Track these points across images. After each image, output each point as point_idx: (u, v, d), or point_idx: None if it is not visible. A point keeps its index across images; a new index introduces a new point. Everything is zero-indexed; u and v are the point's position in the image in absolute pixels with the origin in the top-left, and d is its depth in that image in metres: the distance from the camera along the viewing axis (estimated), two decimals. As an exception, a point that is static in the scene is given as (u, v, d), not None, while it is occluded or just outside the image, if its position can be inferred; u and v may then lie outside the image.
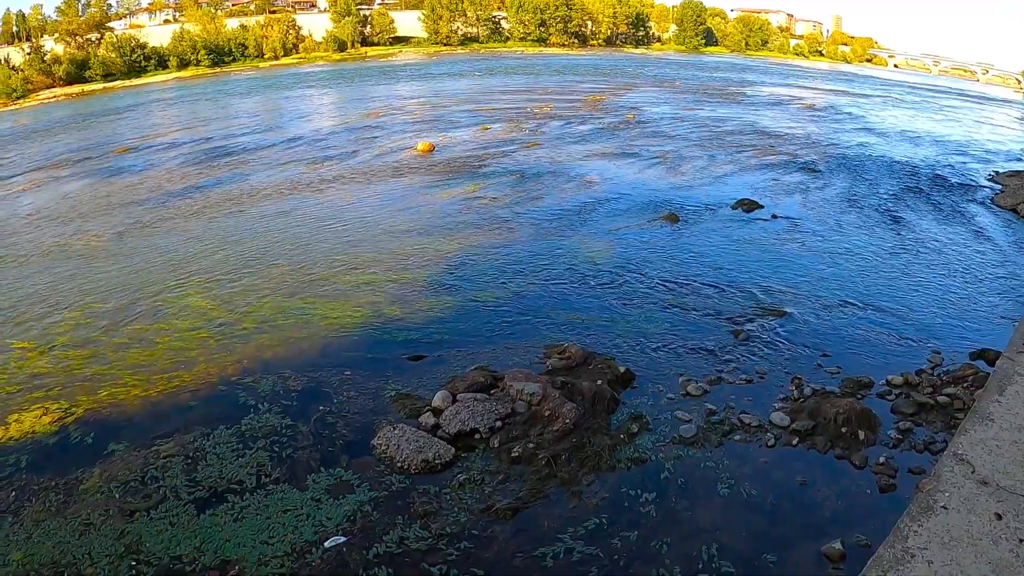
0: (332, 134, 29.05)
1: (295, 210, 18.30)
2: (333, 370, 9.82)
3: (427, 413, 8.76)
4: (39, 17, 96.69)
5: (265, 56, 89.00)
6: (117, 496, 7.52)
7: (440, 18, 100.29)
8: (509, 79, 56.10)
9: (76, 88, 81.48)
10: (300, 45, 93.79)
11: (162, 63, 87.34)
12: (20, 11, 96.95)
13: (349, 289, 12.73)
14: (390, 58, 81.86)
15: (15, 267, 16.10)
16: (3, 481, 8.04)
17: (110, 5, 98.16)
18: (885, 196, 19.63)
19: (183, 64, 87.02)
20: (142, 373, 10.15)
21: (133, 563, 6.60)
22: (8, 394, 10.05)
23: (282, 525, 6.94)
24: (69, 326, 12.17)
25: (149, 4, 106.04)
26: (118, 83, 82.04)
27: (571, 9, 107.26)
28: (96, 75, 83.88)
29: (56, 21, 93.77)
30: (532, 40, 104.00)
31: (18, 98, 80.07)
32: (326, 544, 6.65)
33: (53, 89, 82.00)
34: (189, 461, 7.98)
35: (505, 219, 16.86)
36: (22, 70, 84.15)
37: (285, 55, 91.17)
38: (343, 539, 6.72)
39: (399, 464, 7.81)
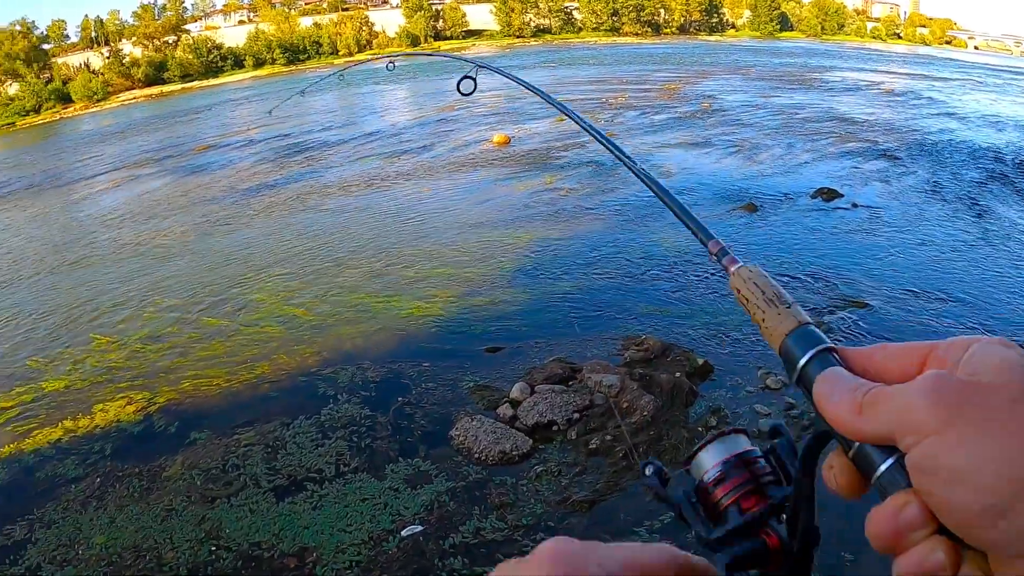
0: (408, 128, 29.29)
1: (371, 204, 18.52)
2: (411, 361, 9.90)
3: (505, 404, 8.76)
4: (116, 22, 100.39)
5: (339, 53, 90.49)
6: (199, 483, 7.73)
7: (512, 10, 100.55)
8: (583, 70, 55.91)
9: (155, 89, 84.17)
10: (374, 41, 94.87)
11: (238, 63, 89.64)
12: (98, 17, 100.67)
13: (426, 281, 12.82)
14: (463, 52, 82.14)
15: (97, 263, 16.83)
16: (89, 468, 8.39)
17: (186, 8, 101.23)
18: (968, 184, 18.98)
19: (259, 63, 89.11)
20: (223, 364, 10.44)
21: (213, 548, 6.78)
22: (92, 385, 10.53)
23: (360, 513, 7.03)
24: (150, 319, 12.61)
25: (224, 6, 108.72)
26: (195, 83, 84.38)
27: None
28: (174, 76, 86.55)
29: (133, 25, 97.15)
30: (605, 30, 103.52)
31: (99, 100, 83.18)
32: (403, 533, 6.71)
33: (132, 91, 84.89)
34: (269, 450, 8.15)
35: (582, 210, 16.82)
36: (102, 73, 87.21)
37: (359, 51, 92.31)
38: (420, 528, 6.77)
39: (476, 455, 7.83)
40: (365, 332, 10.96)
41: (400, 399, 8.99)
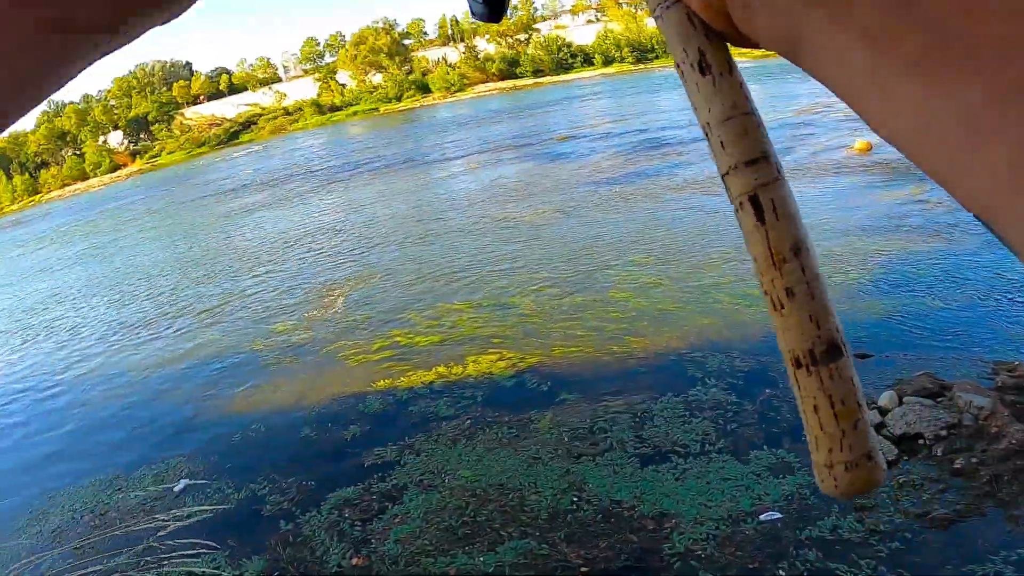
0: (769, 130, 28.46)
1: (728, 205, 18.45)
2: (779, 358, 9.80)
3: (873, 411, 8.46)
4: (471, 21, 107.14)
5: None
6: (566, 439, 8.13)
7: None
8: None
9: (507, 83, 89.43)
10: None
11: (587, 60, 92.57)
12: (454, 16, 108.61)
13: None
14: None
15: (469, 235, 18.45)
16: (460, 410, 9.27)
17: (536, 8, 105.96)
18: None
19: (607, 61, 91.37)
20: (590, 336, 10.94)
21: (575, 499, 7.09)
22: (467, 338, 11.69)
23: (720, 492, 7.05)
24: (521, 288, 13.64)
25: (572, 7, 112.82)
26: (546, 79, 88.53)
27: None
28: (526, 71, 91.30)
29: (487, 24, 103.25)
30: None
31: (455, 91, 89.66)
32: (761, 517, 6.65)
33: (487, 84, 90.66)
34: (636, 419, 8.37)
35: (952, 224, 15.73)
36: (458, 67, 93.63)
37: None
38: (778, 516, 6.69)
39: (841, 455, 7.63)
40: (734, 323, 10.93)
41: (768, 391, 8.88)
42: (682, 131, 30.82)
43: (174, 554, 7.44)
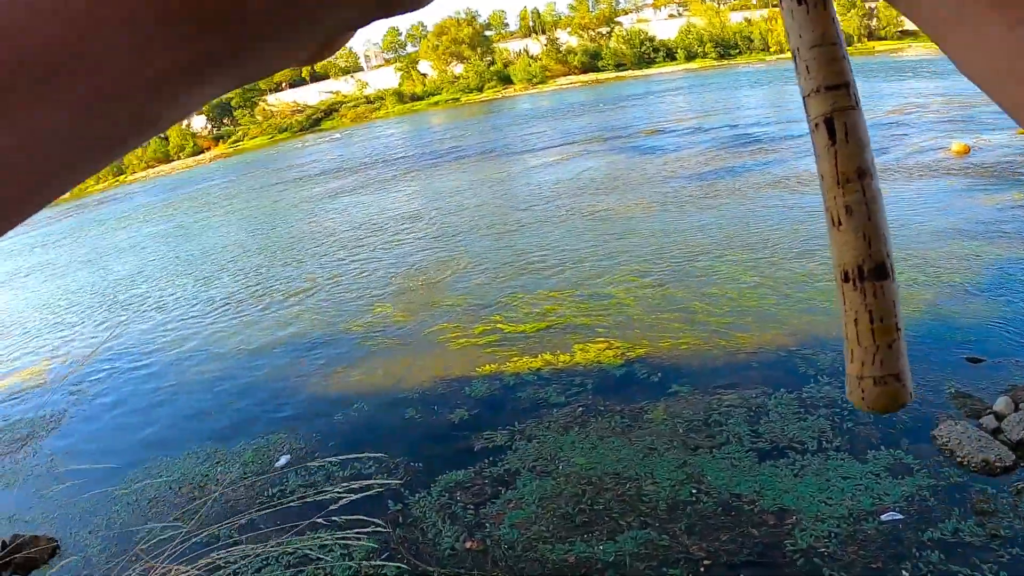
0: (858, 129, 28.32)
1: (813, 205, 18.16)
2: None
3: (989, 416, 8.24)
4: (553, 13, 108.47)
5: (771, 50, 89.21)
6: (680, 431, 8.09)
7: None
8: None
9: (589, 76, 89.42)
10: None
11: (670, 55, 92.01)
12: (535, 9, 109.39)
13: (900, 285, 12.40)
14: (898, 53, 77.62)
15: (560, 226, 18.60)
16: (570, 397, 9.30)
17: (618, 1, 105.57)
18: None
19: (690, 56, 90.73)
20: (695, 329, 10.90)
21: (694, 491, 7.06)
22: (570, 326, 11.75)
23: (840, 490, 6.97)
24: (619, 279, 13.64)
25: (654, 0, 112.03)
26: (628, 72, 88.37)
27: None
28: (608, 65, 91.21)
29: (568, 16, 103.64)
30: None
31: (537, 83, 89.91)
32: (883, 517, 6.58)
33: (569, 76, 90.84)
34: (751, 414, 8.31)
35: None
36: (540, 59, 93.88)
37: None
38: (899, 516, 6.60)
39: (959, 458, 7.45)
40: (839, 323, 10.85)
41: (877, 391, 8.80)
42: (772, 128, 30.47)
43: (276, 527, 7.55)
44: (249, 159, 75.79)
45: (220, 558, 6.05)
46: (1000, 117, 28.31)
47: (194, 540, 7.51)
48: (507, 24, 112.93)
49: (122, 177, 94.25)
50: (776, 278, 12.76)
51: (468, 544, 6.97)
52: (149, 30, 0.37)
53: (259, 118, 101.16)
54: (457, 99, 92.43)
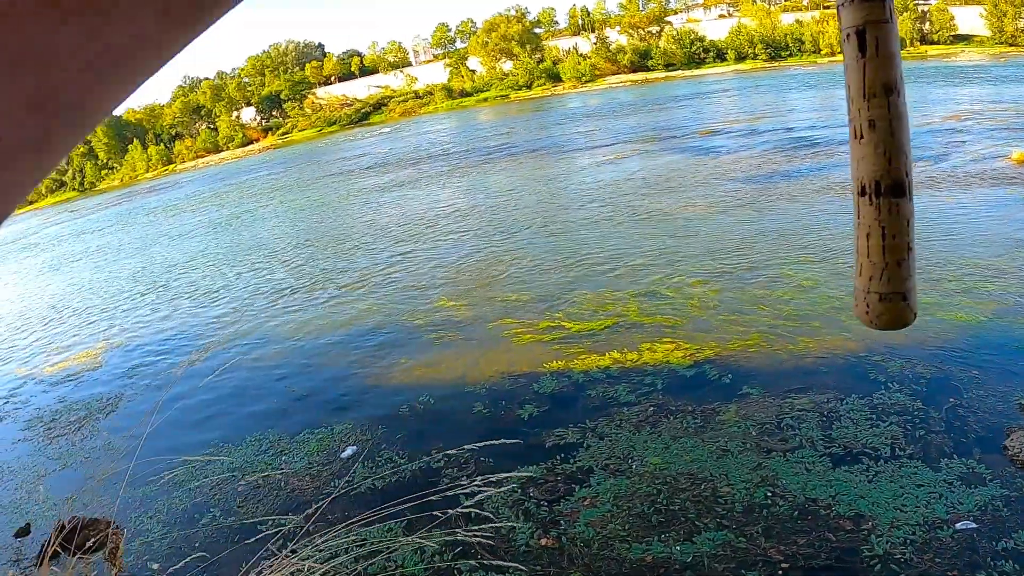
0: (916, 135, 28.05)
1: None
2: (960, 366, 9.58)
3: (1078, 429, 8.25)
4: (602, 12, 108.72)
5: (822, 52, 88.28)
6: (753, 433, 8.13)
7: (1004, 15, 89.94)
8: None
9: (639, 75, 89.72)
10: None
11: (720, 56, 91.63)
12: (584, 7, 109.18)
13: (960, 293, 12.31)
14: (951, 58, 76.32)
15: (620, 225, 18.92)
16: (640, 397, 9.39)
17: (668, 0, 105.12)
18: None
19: (740, 57, 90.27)
20: (764, 332, 10.92)
21: (769, 493, 7.09)
22: (636, 326, 11.87)
23: (915, 497, 6.98)
24: (682, 280, 13.74)
25: (704, 0, 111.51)
26: (678, 73, 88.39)
27: None
28: (657, 64, 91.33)
29: (618, 15, 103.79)
30: None
31: (587, 82, 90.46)
32: (957, 526, 6.59)
33: (618, 75, 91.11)
34: (823, 419, 8.31)
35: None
36: (589, 57, 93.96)
37: (841, 51, 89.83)
38: (973, 525, 6.60)
39: (1032, 470, 7.49)
40: (908, 331, 10.80)
41: (952, 400, 8.71)
42: (829, 131, 30.24)
43: (344, 519, 7.63)
44: (298, 151, 76.64)
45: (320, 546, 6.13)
46: (1061, 126, 27.99)
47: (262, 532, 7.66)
48: (556, 22, 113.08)
49: (172, 166, 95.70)
50: (837, 284, 12.73)
51: (544, 541, 7.01)
52: None
53: (308, 111, 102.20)
54: (506, 96, 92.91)
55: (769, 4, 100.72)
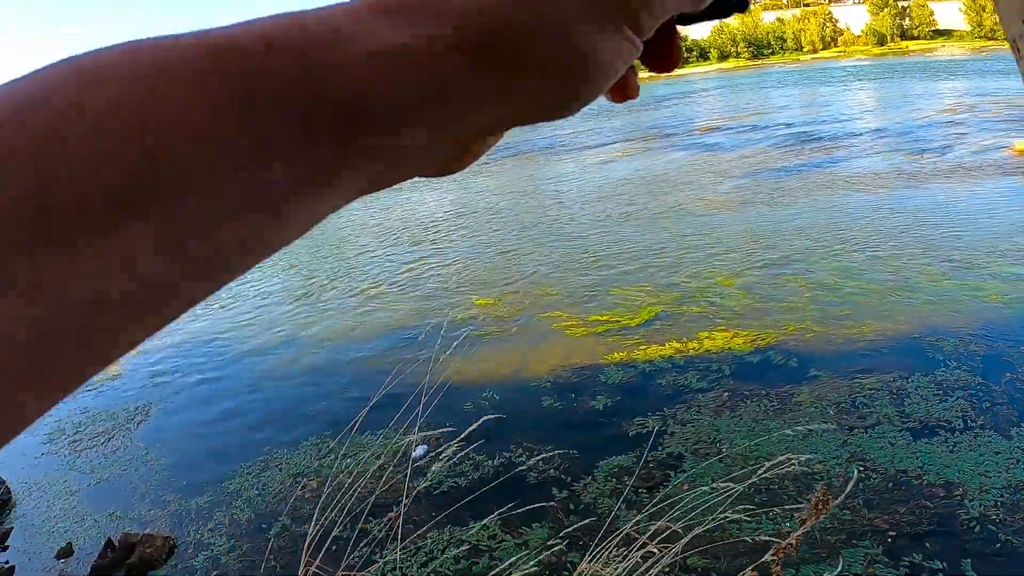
0: (918, 128, 28.65)
1: (908, 198, 18.35)
2: (1007, 343, 9.87)
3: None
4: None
5: (804, 49, 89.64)
6: (832, 413, 8.48)
7: (983, 9, 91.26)
8: None
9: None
10: (839, 38, 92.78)
11: (703, 55, 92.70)
12: None
13: (993, 277, 12.62)
14: (931, 53, 77.41)
15: (646, 219, 19.26)
16: (713, 383, 9.66)
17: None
18: None
19: (723, 56, 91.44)
20: (816, 318, 11.31)
21: (861, 468, 7.43)
22: (688, 315, 12.15)
23: (995, 464, 7.33)
24: (724, 270, 14.15)
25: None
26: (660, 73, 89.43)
27: None
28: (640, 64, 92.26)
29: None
30: None
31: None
32: (1044, 488, 6.97)
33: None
34: (894, 397, 8.68)
35: None
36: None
37: (823, 48, 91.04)
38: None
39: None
40: (955, 311, 11.02)
41: (1008, 374, 9.10)
42: (831, 126, 30.81)
43: (430, 521, 7.28)
44: None
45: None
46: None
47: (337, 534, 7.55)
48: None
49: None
50: (878, 270, 13.09)
51: (653, 527, 7.15)
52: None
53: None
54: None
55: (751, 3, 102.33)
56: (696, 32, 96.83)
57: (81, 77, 0.32)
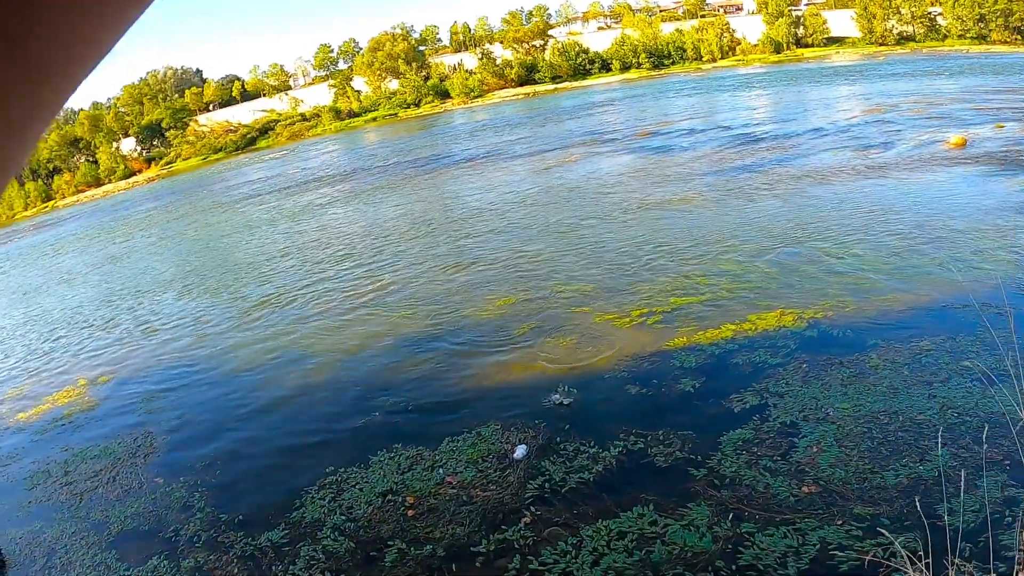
0: (852, 127, 30.16)
1: (858, 192, 19.30)
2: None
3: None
4: (485, 27, 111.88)
5: (703, 59, 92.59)
6: (906, 372, 9.38)
7: (874, 16, 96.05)
8: (985, 79, 50.62)
9: (528, 88, 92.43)
10: (737, 48, 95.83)
11: (605, 66, 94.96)
12: (465, 24, 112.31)
13: (974, 254, 13.51)
14: (826, 59, 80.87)
15: (635, 216, 20.19)
16: (786, 357, 10.34)
17: (550, 15, 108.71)
18: None
19: (625, 67, 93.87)
20: (848, 293, 12.30)
21: (956, 414, 8.30)
22: (727, 300, 12.90)
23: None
24: (731, 258, 15.04)
25: (583, 13, 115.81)
26: (565, 84, 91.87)
27: (1012, 1, 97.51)
28: (544, 77, 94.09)
29: (502, 31, 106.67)
30: (971, 37, 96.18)
31: (475, 97, 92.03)
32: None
33: (506, 89, 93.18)
34: (951, 354, 9.70)
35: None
36: (476, 73, 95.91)
37: (722, 57, 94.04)
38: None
39: None
40: (965, 279, 11.78)
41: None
42: (768, 127, 32.13)
43: (565, 520, 7.64)
44: (188, 180, 73.33)
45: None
46: (968, 112, 30.01)
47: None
48: (440, 39, 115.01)
49: (51, 203, 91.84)
50: (875, 251, 14.21)
51: (805, 489, 7.48)
52: None
53: (192, 139, 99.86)
54: (395, 114, 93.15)
55: (649, 15, 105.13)
56: (596, 44, 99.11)
57: None
